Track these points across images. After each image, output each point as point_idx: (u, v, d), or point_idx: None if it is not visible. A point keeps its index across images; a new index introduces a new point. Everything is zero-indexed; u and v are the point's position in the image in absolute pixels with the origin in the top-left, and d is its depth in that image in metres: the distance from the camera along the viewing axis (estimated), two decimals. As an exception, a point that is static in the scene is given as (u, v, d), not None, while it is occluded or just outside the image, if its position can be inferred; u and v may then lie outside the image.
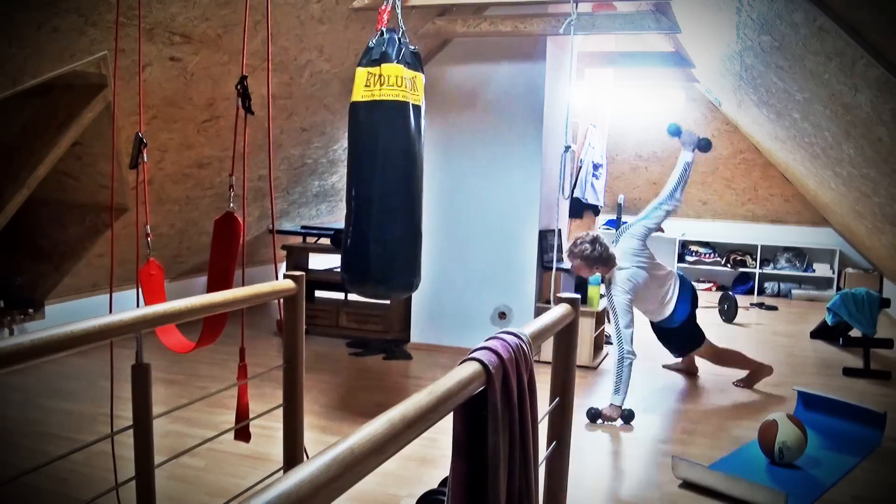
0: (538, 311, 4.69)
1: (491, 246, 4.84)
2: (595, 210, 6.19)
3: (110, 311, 1.58)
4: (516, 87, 4.70)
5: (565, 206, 5.63)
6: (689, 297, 4.07)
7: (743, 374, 4.30)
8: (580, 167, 6.04)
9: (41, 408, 3.55)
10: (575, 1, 3.51)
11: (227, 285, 2.16)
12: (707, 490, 2.75)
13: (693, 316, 4.13)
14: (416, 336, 5.09)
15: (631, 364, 3.60)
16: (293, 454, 2.06)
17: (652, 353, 4.98)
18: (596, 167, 6.13)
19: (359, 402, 3.86)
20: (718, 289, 8.11)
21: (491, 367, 1.14)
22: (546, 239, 4.85)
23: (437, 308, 5.00)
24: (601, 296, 4.87)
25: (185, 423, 3.29)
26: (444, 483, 2.32)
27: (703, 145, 3.89)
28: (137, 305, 1.69)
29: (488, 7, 4.42)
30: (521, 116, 4.71)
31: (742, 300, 7.11)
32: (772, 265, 8.06)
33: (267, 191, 5.40)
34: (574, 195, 6.02)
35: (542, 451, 1.48)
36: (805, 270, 7.94)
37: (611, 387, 3.60)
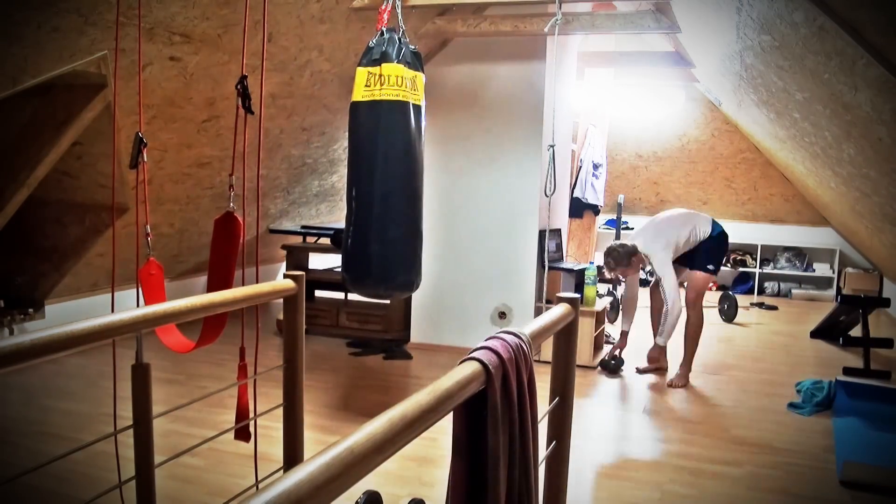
0: (538, 311, 4.69)
1: (491, 246, 4.84)
2: (595, 209, 6.19)
3: (112, 311, 1.58)
4: (516, 87, 4.70)
5: (565, 205, 5.62)
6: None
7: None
8: (580, 167, 6.04)
9: (41, 408, 3.55)
10: (559, 1, 3.52)
11: (227, 285, 2.15)
12: None
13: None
14: (416, 336, 5.09)
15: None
16: (293, 454, 2.06)
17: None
18: (596, 167, 6.13)
19: (359, 401, 3.86)
20: (718, 288, 8.10)
21: (491, 367, 1.14)
22: (546, 239, 4.85)
23: (437, 308, 5.00)
24: (606, 293, 4.86)
25: (185, 423, 3.29)
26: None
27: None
28: (137, 305, 1.69)
29: (488, 7, 4.41)
30: (521, 116, 4.71)
31: (742, 300, 7.11)
32: (772, 265, 8.06)
33: (267, 190, 5.41)
34: (574, 195, 6.02)
35: (542, 451, 1.48)
36: (805, 270, 7.94)
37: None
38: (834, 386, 3.85)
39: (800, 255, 8.01)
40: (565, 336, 1.60)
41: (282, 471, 2.14)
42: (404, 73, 2.94)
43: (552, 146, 3.48)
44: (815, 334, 5.66)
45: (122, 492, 1.92)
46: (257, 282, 2.02)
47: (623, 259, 4.30)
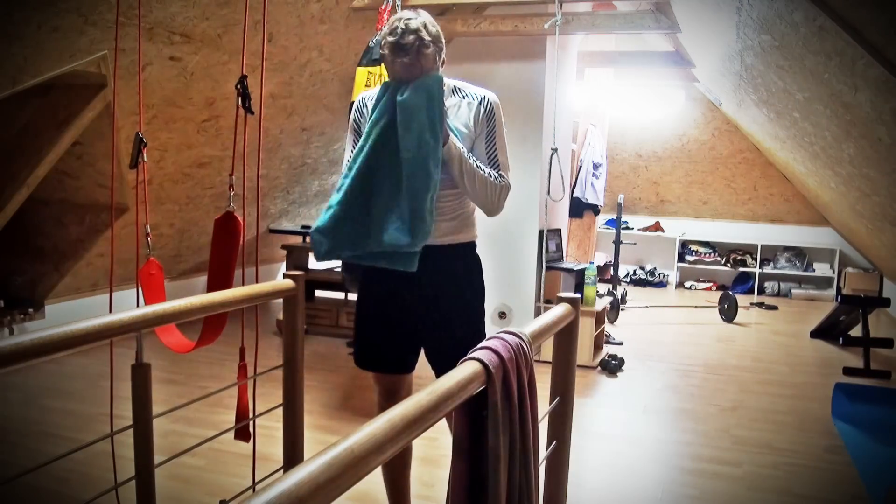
0: (538, 311, 4.69)
1: (491, 246, 4.83)
2: (595, 209, 6.19)
3: (110, 311, 1.58)
4: (516, 87, 4.70)
5: (565, 205, 5.62)
6: None
7: None
8: (580, 167, 6.04)
9: (41, 408, 3.55)
10: (559, 1, 3.52)
11: (226, 285, 2.15)
12: None
13: None
14: (416, 336, 5.07)
15: None
16: (293, 454, 2.06)
17: (651, 353, 4.98)
18: (596, 167, 6.13)
19: (359, 402, 3.86)
20: (718, 288, 8.10)
21: (491, 367, 1.14)
22: (546, 238, 4.85)
23: (437, 308, 4.99)
24: (606, 293, 4.84)
25: (185, 423, 3.29)
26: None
27: None
28: (137, 305, 1.68)
29: (488, 7, 4.41)
30: (522, 116, 4.71)
31: (742, 300, 7.10)
32: (772, 265, 8.06)
33: (267, 190, 5.41)
34: (574, 195, 6.02)
35: (542, 451, 1.48)
36: (805, 270, 7.94)
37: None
38: None
39: (800, 255, 8.01)
40: (565, 336, 1.60)
41: (282, 471, 2.14)
42: (404, 72, 2.94)
43: (555, 149, 3.46)
44: (815, 334, 5.66)
45: (122, 492, 1.92)
46: (257, 282, 2.02)
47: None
